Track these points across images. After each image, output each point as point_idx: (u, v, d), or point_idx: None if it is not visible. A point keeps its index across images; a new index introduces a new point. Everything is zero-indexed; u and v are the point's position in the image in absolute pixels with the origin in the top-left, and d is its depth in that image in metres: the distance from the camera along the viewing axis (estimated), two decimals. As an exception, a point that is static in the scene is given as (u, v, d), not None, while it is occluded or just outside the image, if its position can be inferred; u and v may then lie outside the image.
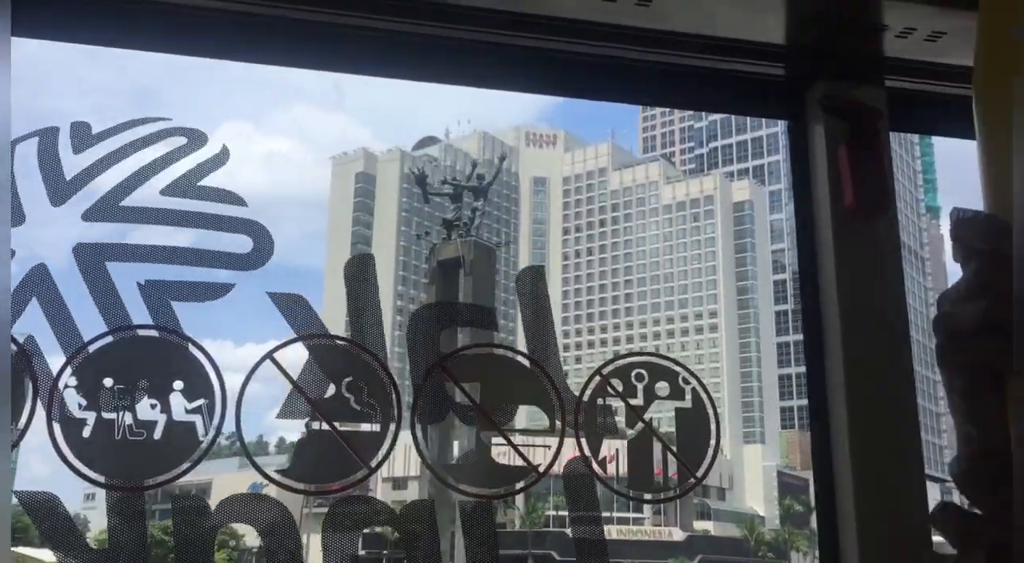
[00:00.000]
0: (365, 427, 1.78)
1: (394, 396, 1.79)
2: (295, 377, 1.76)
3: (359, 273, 1.87)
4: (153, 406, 1.67)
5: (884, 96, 2.08)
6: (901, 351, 1.94)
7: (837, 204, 2.01)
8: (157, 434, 1.66)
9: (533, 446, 1.86)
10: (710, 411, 1.93)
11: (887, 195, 2.03)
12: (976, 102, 0.84)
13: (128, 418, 1.65)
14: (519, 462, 1.83)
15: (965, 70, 2.09)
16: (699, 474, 1.89)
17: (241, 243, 1.81)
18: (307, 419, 1.75)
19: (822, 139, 2.06)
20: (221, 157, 1.85)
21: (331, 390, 1.78)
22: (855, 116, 2.05)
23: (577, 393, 1.88)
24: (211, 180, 1.82)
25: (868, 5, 1.97)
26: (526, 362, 1.89)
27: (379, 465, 1.76)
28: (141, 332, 1.72)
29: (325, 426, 1.75)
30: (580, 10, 1.89)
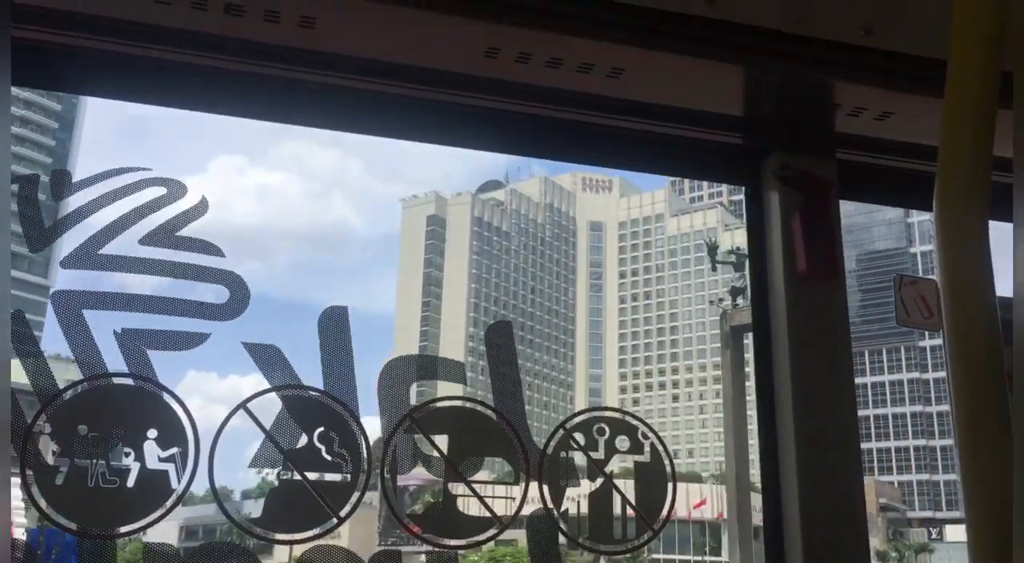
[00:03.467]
0: (335, 477, 1.82)
1: (364, 447, 1.84)
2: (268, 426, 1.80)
3: (333, 324, 1.91)
4: (127, 454, 1.69)
5: (835, 168, 2.20)
6: (848, 403, 2.05)
7: (790, 269, 2.12)
8: (130, 482, 1.68)
9: (497, 497, 1.91)
10: (667, 465, 2.01)
11: (836, 262, 2.15)
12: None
13: (102, 466, 1.66)
14: (484, 513, 1.89)
15: (911, 147, 2.23)
16: (656, 527, 1.96)
17: (219, 293, 1.84)
18: (279, 469, 1.78)
19: (777, 207, 2.17)
20: (200, 208, 1.88)
21: (303, 440, 1.81)
22: (808, 186, 2.17)
23: (541, 446, 1.94)
24: (196, 225, 1.86)
25: (822, 85, 2.09)
26: (493, 415, 1.95)
27: (348, 515, 1.79)
28: (116, 380, 1.74)
29: (296, 476, 1.79)
30: (559, 80, 1.98)
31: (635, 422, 2.03)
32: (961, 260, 0.98)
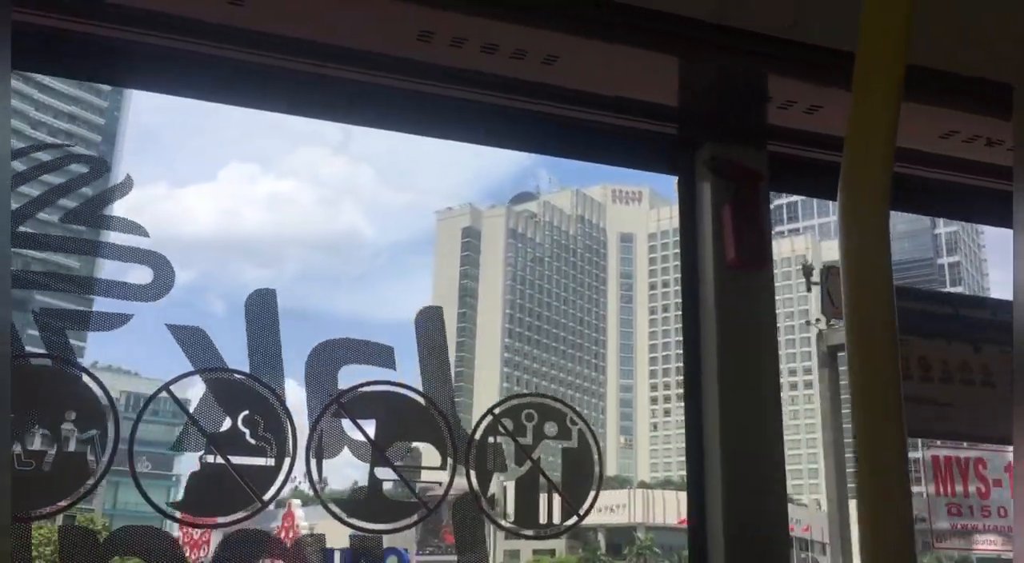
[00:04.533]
0: (260, 461, 1.80)
1: (290, 431, 1.82)
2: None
3: (260, 308, 1.89)
4: (44, 437, 1.66)
5: (766, 160, 2.24)
6: (773, 394, 2.09)
7: (720, 258, 2.15)
8: (47, 465, 1.65)
9: (424, 482, 1.91)
10: (595, 451, 2.03)
11: (765, 252, 2.18)
12: None
13: (17, 448, 1.63)
14: (411, 498, 1.89)
15: (840, 140, 2.28)
16: (581, 511, 1.98)
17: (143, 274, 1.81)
18: (202, 452, 1.77)
19: (709, 196, 2.20)
20: (124, 186, 1.85)
21: (227, 424, 1.80)
22: (739, 177, 2.19)
23: (469, 431, 1.95)
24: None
25: (754, 78, 2.12)
26: (421, 400, 1.95)
27: (272, 499, 1.78)
28: (34, 361, 1.70)
29: (220, 459, 1.77)
30: (494, 65, 1.98)
31: (563, 408, 2.04)
32: (862, 250, 1.00)
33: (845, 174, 1.10)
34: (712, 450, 2.04)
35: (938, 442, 2.27)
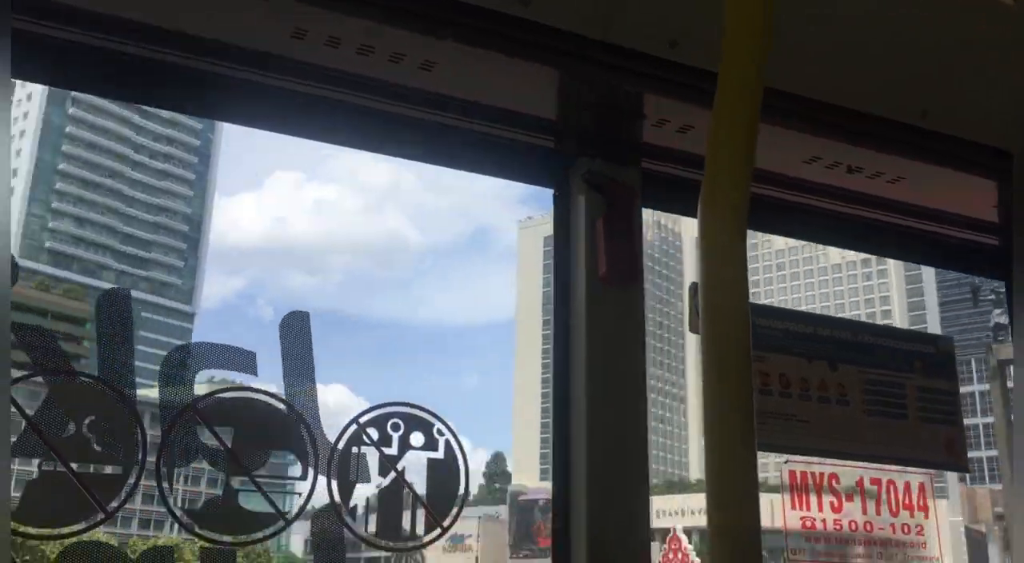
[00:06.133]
0: (107, 469, 1.71)
1: (140, 437, 1.74)
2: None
3: (112, 308, 1.80)
4: None
5: (639, 177, 2.27)
6: (637, 407, 2.11)
7: (591, 272, 2.17)
8: None
9: (283, 493, 1.85)
10: (461, 463, 2.01)
11: (636, 268, 2.21)
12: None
13: None
14: (268, 508, 1.82)
15: (700, 160, 2.32)
16: (445, 524, 1.95)
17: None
18: (39, 460, 1.66)
19: (583, 210, 2.22)
20: None
21: (71, 429, 1.70)
22: (613, 193, 2.22)
23: (332, 440, 1.90)
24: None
25: (631, 95, 2.15)
26: (283, 407, 1.89)
27: (118, 508, 1.69)
28: None
29: (61, 467, 1.67)
30: (369, 68, 1.95)
31: (430, 418, 2.01)
32: (719, 270, 1.01)
33: (704, 193, 1.12)
34: (578, 461, 2.04)
35: (794, 457, 2.35)
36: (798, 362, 2.42)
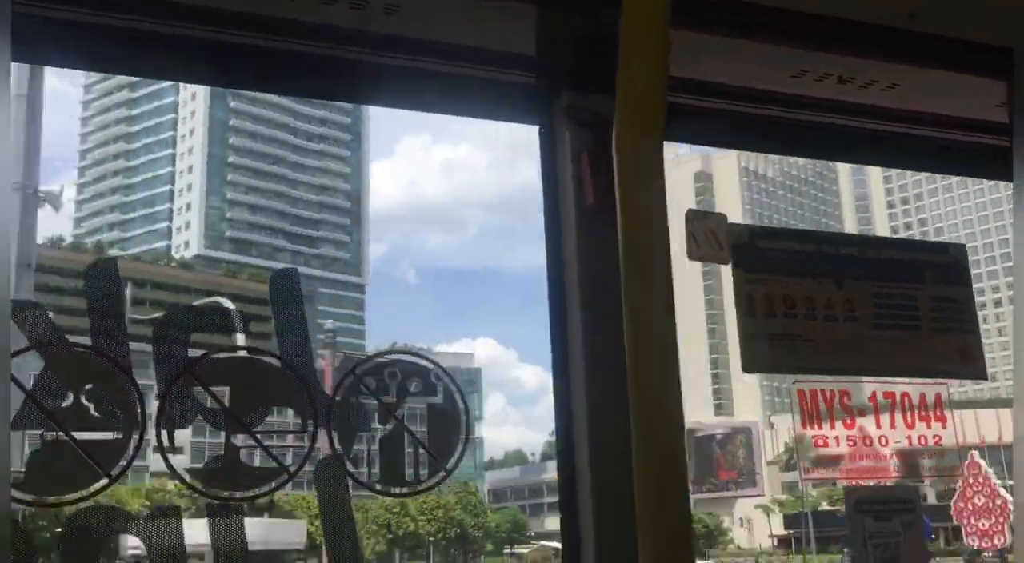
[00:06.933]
0: (106, 435, 1.75)
1: (138, 402, 1.77)
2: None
3: (103, 282, 1.82)
4: None
5: (623, 106, 2.23)
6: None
7: (580, 204, 2.14)
8: None
9: (285, 447, 1.88)
10: (461, 406, 2.02)
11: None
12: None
13: None
14: (270, 463, 1.85)
15: (695, 84, 2.28)
16: (448, 466, 1.97)
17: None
18: (42, 430, 1.70)
19: (568, 145, 2.19)
20: None
21: (69, 398, 1.73)
22: (597, 125, 2.18)
23: (330, 393, 1.92)
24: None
25: (610, 25, 2.10)
26: (279, 364, 1.91)
27: (121, 473, 1.73)
28: None
29: (62, 436, 1.71)
30: (336, 17, 1.92)
31: (427, 364, 2.02)
32: (636, 177, 0.99)
33: (619, 107, 1.08)
34: (577, 374, 2.02)
35: (803, 377, 2.32)
36: (803, 282, 2.38)
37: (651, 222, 0.92)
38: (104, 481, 1.71)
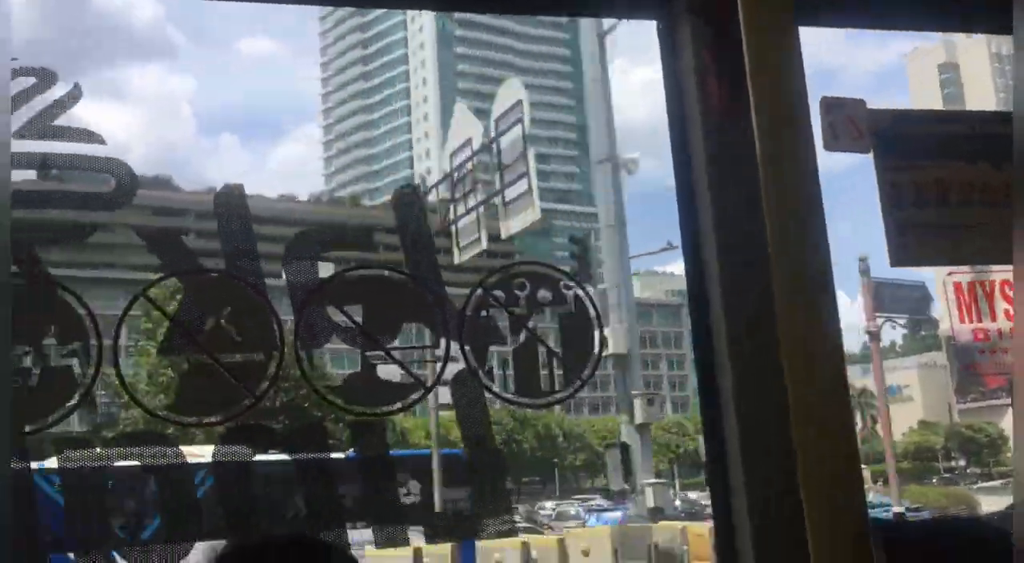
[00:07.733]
0: (248, 357, 1.79)
1: (275, 324, 1.80)
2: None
3: (230, 204, 1.85)
4: (26, 353, 1.66)
5: (747, -8, 2.08)
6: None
7: (706, 103, 2.03)
8: (33, 381, 1.65)
9: (419, 362, 1.89)
10: (592, 314, 1.97)
11: (748, 94, 2.05)
12: None
13: (0, 367, 1.63)
14: (407, 379, 1.87)
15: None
16: (584, 375, 1.94)
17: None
18: (188, 353, 1.76)
19: (689, 40, 2.07)
20: (74, 94, 1.80)
21: (210, 322, 1.78)
22: (719, 18, 2.05)
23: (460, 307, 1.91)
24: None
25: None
26: (408, 281, 1.90)
27: (264, 393, 1.77)
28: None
29: (208, 359, 1.76)
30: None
31: (556, 274, 1.98)
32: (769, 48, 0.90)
33: None
34: (714, 295, 1.94)
35: (957, 269, 2.16)
36: (955, 166, 2.20)
37: (792, 118, 0.84)
38: (248, 402, 1.76)
